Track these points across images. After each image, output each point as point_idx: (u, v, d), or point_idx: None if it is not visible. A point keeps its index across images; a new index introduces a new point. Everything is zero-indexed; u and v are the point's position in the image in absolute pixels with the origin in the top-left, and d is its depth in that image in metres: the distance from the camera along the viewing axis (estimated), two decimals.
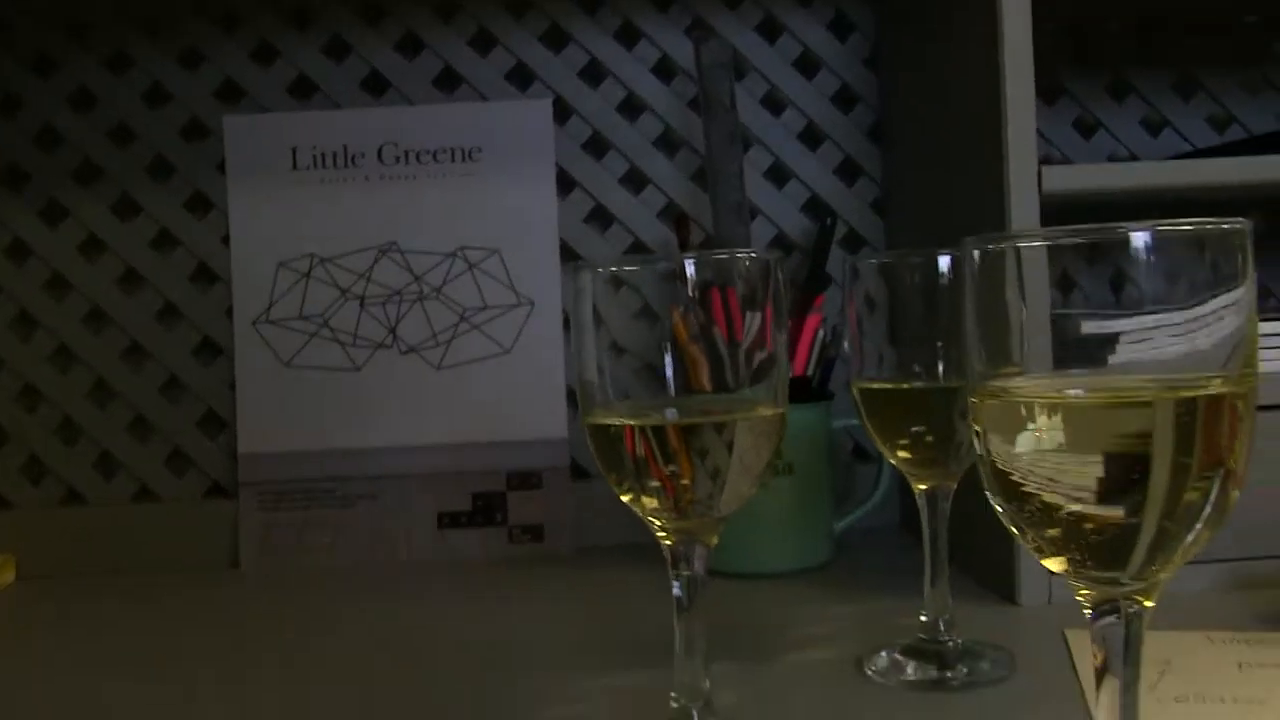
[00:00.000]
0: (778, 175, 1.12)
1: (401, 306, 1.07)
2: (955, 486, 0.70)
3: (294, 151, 1.08)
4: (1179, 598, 0.80)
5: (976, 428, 0.44)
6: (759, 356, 0.55)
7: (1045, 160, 0.83)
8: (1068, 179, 0.81)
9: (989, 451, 0.43)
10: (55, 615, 0.94)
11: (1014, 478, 0.42)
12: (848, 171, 1.12)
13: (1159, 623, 0.73)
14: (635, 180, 1.11)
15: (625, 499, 0.56)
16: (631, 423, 0.53)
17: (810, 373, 0.98)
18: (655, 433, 0.53)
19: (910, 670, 0.69)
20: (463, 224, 1.08)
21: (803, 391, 0.97)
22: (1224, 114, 1.11)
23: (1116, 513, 0.39)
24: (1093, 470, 0.39)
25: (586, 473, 1.09)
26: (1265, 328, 0.84)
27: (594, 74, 1.11)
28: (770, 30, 1.11)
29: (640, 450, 0.53)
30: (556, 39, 1.10)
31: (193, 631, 0.87)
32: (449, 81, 1.10)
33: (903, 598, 0.85)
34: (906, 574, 0.91)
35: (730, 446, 0.53)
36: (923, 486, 0.71)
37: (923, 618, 0.71)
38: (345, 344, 1.07)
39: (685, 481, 0.54)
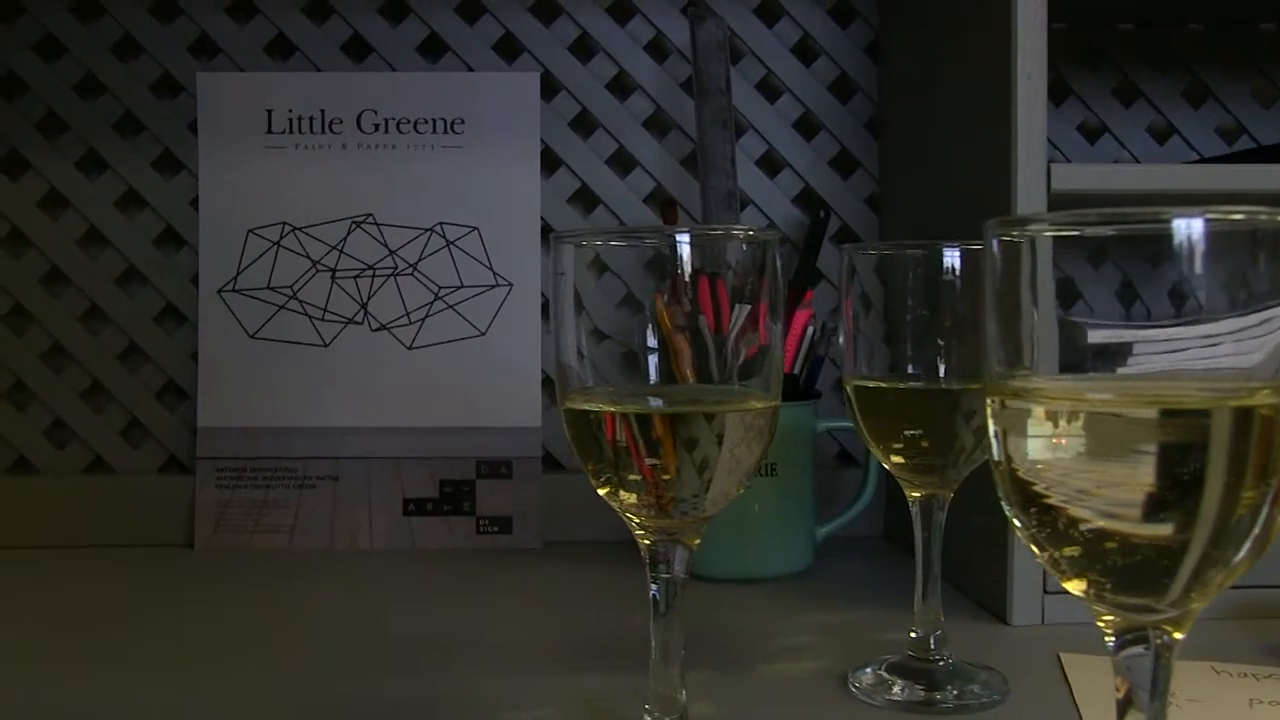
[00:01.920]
0: (770, 164, 1.08)
1: (374, 281, 1.03)
2: (952, 496, 0.67)
3: (269, 114, 1.03)
4: None
5: (995, 430, 0.41)
6: (751, 347, 0.51)
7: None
8: (1078, 179, 0.78)
9: (1009, 459, 0.40)
10: None
11: (1037, 488, 0.39)
12: (843, 164, 1.08)
13: None
14: (623, 162, 1.07)
15: (603, 493, 0.52)
16: (614, 409, 0.49)
17: (798, 371, 0.94)
18: (640, 421, 0.49)
19: (897, 689, 0.65)
20: (442, 198, 1.03)
21: (789, 390, 0.93)
22: (1233, 124, 1.08)
23: (1162, 532, 0.35)
24: (1138, 485, 0.35)
25: (559, 464, 1.05)
26: None
27: (584, 49, 1.06)
28: (769, 13, 1.07)
29: (622, 439, 0.49)
30: (547, 10, 1.06)
31: (139, 612, 0.83)
32: (433, 49, 1.06)
33: (886, 610, 0.81)
34: (890, 586, 0.88)
35: (720, 439, 0.49)
36: (916, 494, 0.67)
37: (912, 634, 0.67)
38: (314, 318, 1.02)
39: (669, 476, 0.49)
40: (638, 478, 0.50)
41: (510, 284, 1.03)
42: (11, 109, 1.03)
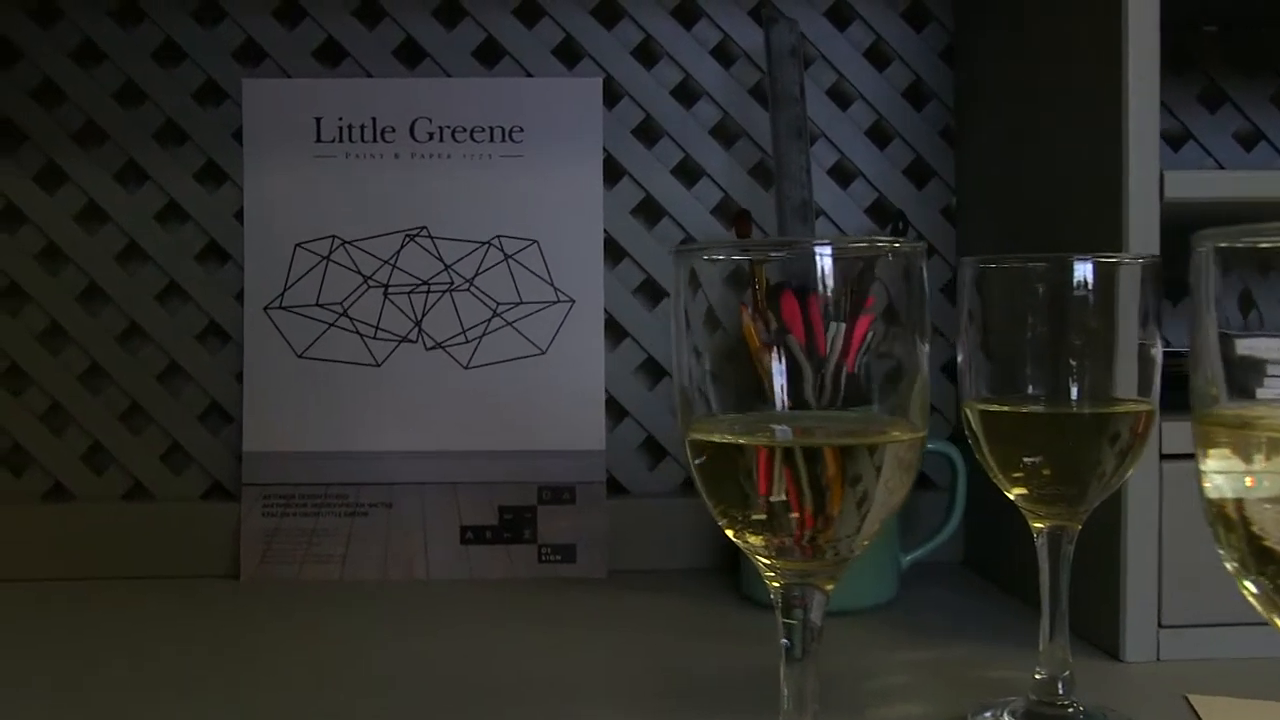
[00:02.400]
0: (842, 174, 1.03)
1: (429, 298, 0.98)
2: (1080, 528, 0.62)
3: (318, 122, 0.99)
4: None
5: (1220, 467, 0.36)
6: (894, 371, 0.46)
7: None
8: (1192, 187, 0.73)
9: (1239, 502, 0.35)
10: (32, 622, 0.85)
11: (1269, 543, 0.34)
12: (918, 173, 1.03)
13: None
14: (689, 171, 1.02)
15: (730, 533, 0.47)
16: (761, 443, 0.44)
17: None
18: (798, 456, 0.44)
19: None
20: (499, 210, 0.98)
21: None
22: None
23: None
24: None
25: (624, 489, 1.00)
26: None
27: (648, 54, 1.02)
28: (840, 16, 1.02)
29: (774, 477, 0.43)
30: (609, 13, 1.01)
31: (181, 647, 0.78)
32: (490, 54, 1.01)
33: (987, 645, 0.77)
34: (984, 617, 0.84)
35: (879, 473, 0.44)
36: (1040, 525, 0.62)
37: (1037, 675, 0.62)
38: (365, 336, 0.98)
39: (810, 514, 0.44)
40: (769, 517, 0.45)
41: (572, 300, 0.98)
42: (48, 118, 0.98)
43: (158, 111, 0.99)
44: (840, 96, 1.03)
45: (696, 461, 0.47)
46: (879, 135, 1.03)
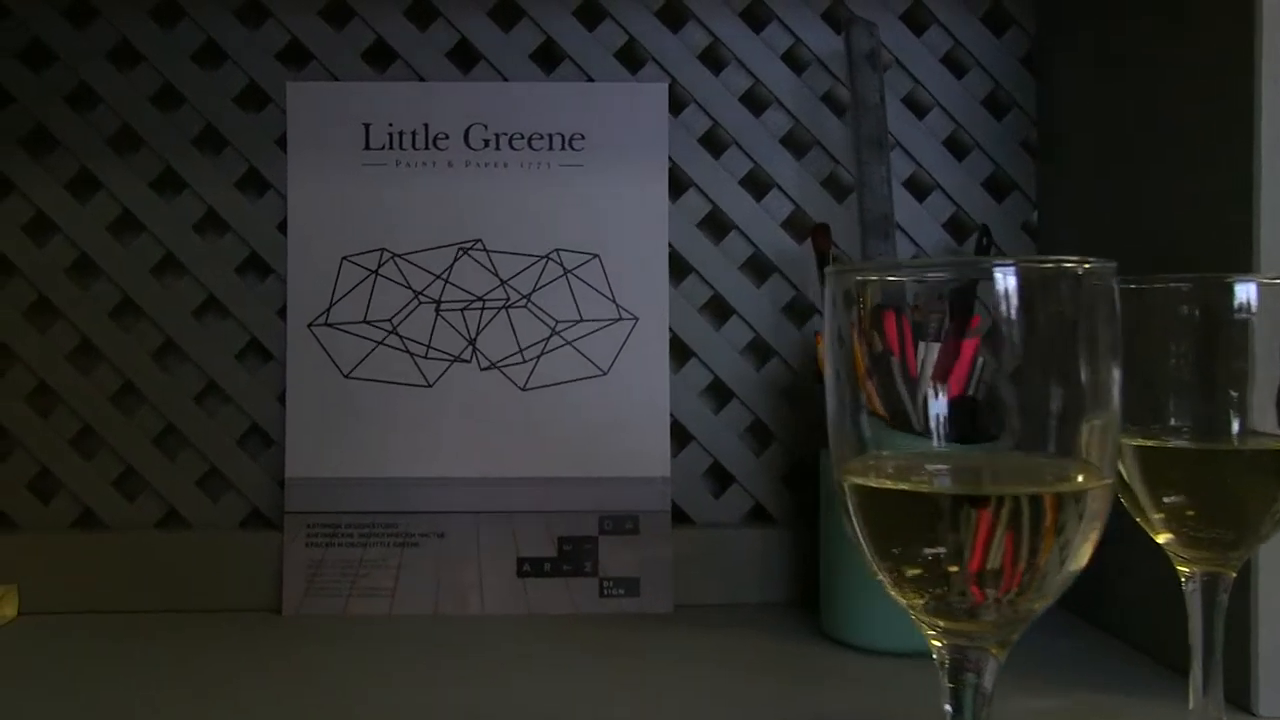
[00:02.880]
0: (918, 186, 0.97)
1: (484, 314, 0.92)
2: (1235, 575, 0.56)
3: (367, 128, 0.93)
4: None
5: None
6: (1077, 401, 0.41)
7: None
8: None
9: None
10: (61, 658, 0.80)
11: None
12: (997, 186, 0.98)
13: None
14: (757, 183, 0.96)
15: (892, 591, 0.42)
16: (966, 492, 0.39)
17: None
18: (1024, 507, 0.38)
19: None
20: (559, 222, 0.93)
21: (965, 429, 0.83)
22: None
23: None
24: None
25: (689, 518, 0.95)
26: None
27: (715, 58, 0.96)
28: (917, 21, 0.97)
29: (992, 535, 0.38)
30: (674, 15, 0.96)
31: (220, 686, 0.74)
32: (549, 58, 0.96)
33: (1099, 693, 0.72)
34: (1078, 658, 0.79)
35: (1080, 523, 0.39)
36: (1188, 570, 0.57)
37: None
38: (416, 355, 0.92)
39: (1017, 574, 0.39)
40: (978, 574, 0.39)
41: (635, 317, 0.93)
42: (81, 122, 0.93)
43: (197, 116, 0.94)
44: (916, 105, 0.97)
45: (859, 510, 0.41)
46: (957, 146, 0.98)
